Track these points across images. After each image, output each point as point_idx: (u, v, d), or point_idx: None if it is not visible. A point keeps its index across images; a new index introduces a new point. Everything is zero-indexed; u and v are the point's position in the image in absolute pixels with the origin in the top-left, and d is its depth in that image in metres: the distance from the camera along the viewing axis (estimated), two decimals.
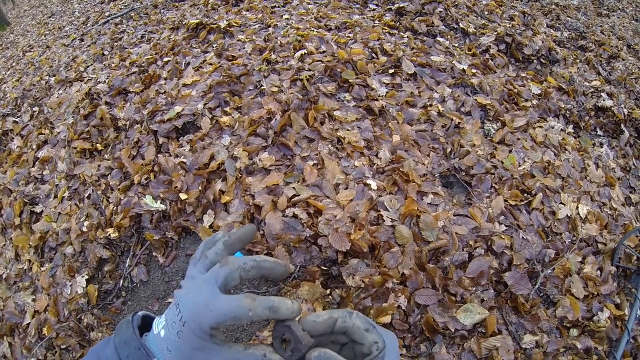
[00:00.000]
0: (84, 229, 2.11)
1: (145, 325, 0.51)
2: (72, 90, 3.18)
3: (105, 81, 2.93)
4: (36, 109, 3.26)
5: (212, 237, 0.51)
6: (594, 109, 2.82)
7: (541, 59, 3.10)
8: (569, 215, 2.04)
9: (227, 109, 2.16)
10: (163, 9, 3.95)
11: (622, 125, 2.72)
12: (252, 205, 1.77)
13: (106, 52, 3.55)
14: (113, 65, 3.20)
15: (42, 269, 2.18)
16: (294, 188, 1.76)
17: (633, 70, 3.46)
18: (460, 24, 3.13)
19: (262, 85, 2.23)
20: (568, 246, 1.94)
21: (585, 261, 1.91)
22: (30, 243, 2.26)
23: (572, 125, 2.63)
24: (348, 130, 1.94)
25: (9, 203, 2.53)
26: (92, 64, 3.48)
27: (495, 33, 3.06)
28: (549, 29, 3.69)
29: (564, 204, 2.07)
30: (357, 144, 1.89)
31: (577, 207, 2.08)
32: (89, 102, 2.77)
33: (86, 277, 2.03)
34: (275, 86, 2.19)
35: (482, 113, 2.36)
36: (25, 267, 2.26)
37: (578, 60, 3.36)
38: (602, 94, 2.90)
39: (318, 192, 1.77)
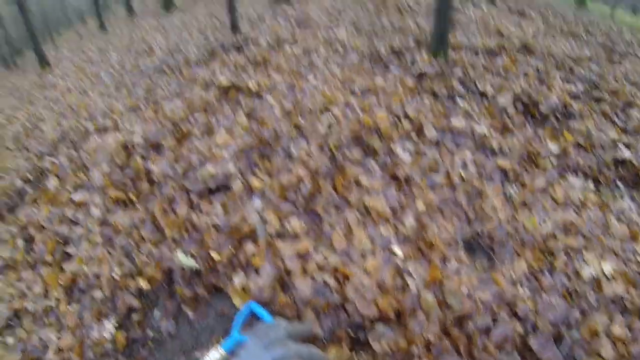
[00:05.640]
0: (115, 276, 2.16)
1: None
2: (108, 139, 3.36)
3: (140, 133, 3.10)
4: (73, 152, 3.43)
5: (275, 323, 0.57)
6: (613, 161, 2.84)
7: (557, 115, 3.18)
8: (593, 274, 2.02)
9: (257, 171, 2.29)
10: (195, 65, 4.23)
11: None
12: (283, 269, 1.85)
13: (141, 105, 3.78)
14: (147, 117, 3.41)
15: (70, 308, 2.20)
16: (322, 254, 1.84)
17: None
18: (477, 85, 3.26)
19: (291, 149, 2.37)
20: (594, 306, 1.92)
21: (613, 321, 1.88)
22: (61, 282, 2.30)
23: (591, 180, 2.65)
24: (374, 197, 2.03)
25: (42, 239, 2.61)
26: (127, 115, 3.71)
27: (512, 93, 3.17)
28: (563, 82, 3.79)
29: (587, 263, 2.06)
30: (383, 212, 1.98)
31: (601, 265, 2.07)
32: (123, 152, 2.93)
33: (115, 324, 2.04)
34: (304, 151, 2.32)
35: (502, 175, 2.42)
36: (53, 305, 2.28)
37: (594, 112, 3.41)
38: (619, 145, 2.92)
39: (346, 259, 1.84)
